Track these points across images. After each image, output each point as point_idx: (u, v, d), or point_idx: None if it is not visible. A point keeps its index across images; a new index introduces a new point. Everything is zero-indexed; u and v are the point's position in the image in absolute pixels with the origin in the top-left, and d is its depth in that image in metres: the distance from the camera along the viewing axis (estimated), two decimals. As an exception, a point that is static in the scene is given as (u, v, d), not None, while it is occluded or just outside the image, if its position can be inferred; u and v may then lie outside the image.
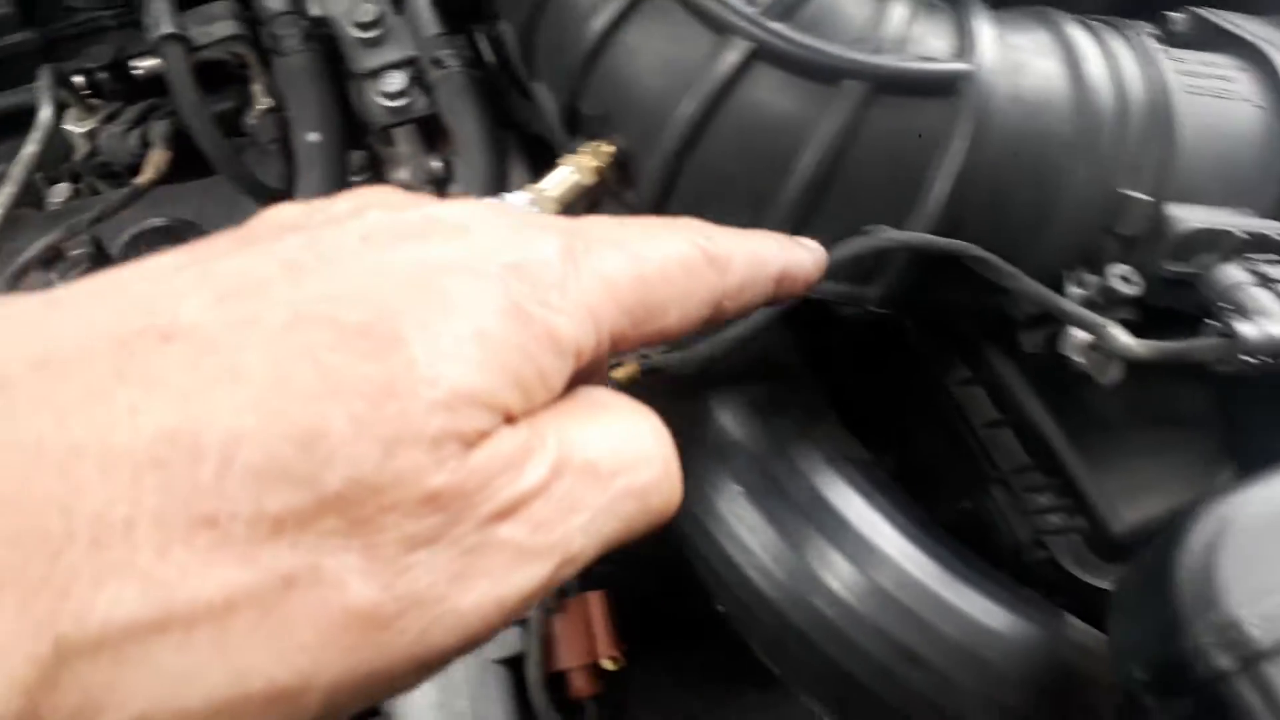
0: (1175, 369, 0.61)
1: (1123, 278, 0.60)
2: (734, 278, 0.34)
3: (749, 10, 0.57)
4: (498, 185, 0.69)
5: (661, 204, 0.64)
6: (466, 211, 0.29)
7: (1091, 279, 0.61)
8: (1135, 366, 0.59)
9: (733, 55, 0.58)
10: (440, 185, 0.77)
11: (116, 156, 0.79)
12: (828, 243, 0.61)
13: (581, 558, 0.27)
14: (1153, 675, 0.49)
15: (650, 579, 0.85)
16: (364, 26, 0.77)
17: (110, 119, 0.80)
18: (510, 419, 0.26)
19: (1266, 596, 0.46)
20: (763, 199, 0.61)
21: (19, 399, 0.21)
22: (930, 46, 0.59)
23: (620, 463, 0.28)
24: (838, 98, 0.58)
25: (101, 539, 0.20)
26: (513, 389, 0.26)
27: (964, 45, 0.59)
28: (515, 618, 0.26)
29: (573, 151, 0.65)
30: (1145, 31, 0.64)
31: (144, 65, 0.82)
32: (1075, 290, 0.62)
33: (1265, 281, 0.58)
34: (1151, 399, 0.74)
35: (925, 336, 0.81)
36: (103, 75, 0.84)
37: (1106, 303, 0.61)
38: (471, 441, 0.24)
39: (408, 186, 0.79)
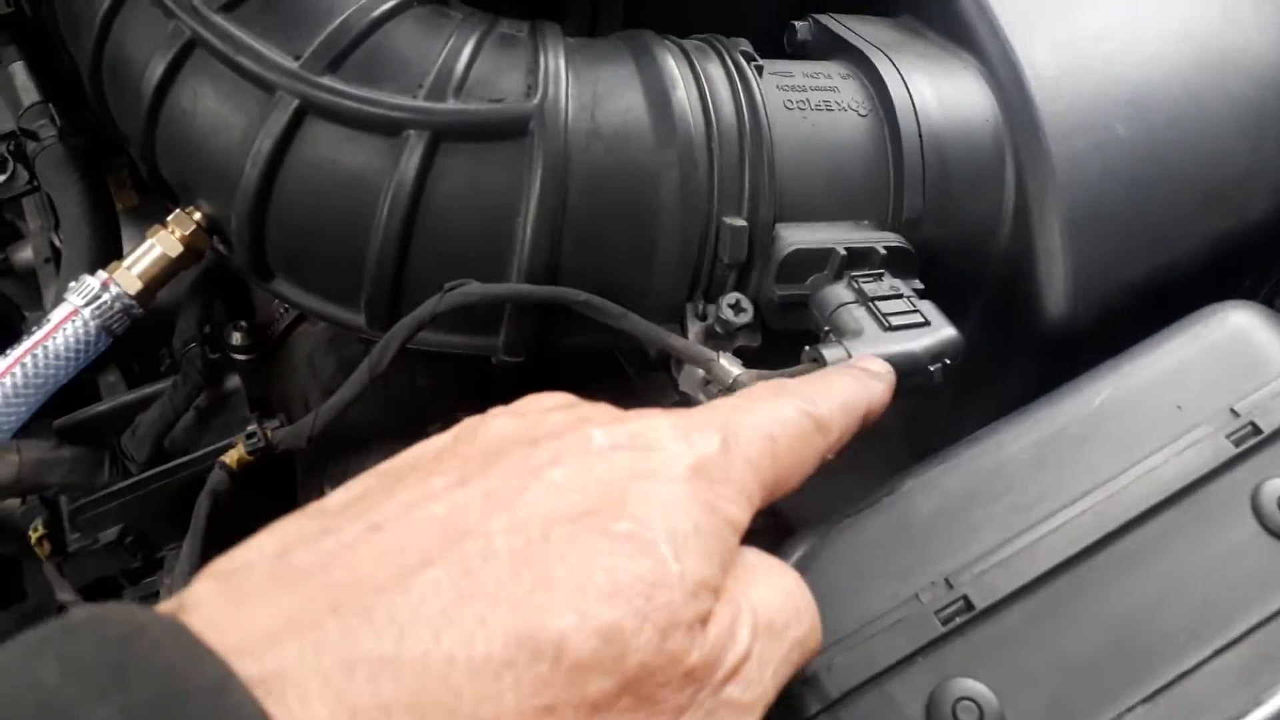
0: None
1: (731, 306, 0.58)
2: (834, 434, 0.42)
3: (290, 65, 0.53)
4: (103, 259, 0.63)
5: (259, 265, 0.60)
6: (649, 424, 0.36)
7: (709, 309, 0.59)
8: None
9: (280, 115, 0.53)
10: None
11: None
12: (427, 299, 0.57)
13: (769, 702, 0.33)
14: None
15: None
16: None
17: None
18: (718, 595, 0.32)
19: (841, 640, 0.44)
20: (351, 255, 0.57)
21: (401, 618, 0.27)
22: (500, 86, 0.56)
23: (787, 618, 0.36)
24: (402, 150, 0.54)
25: None
26: (720, 571, 0.33)
27: (535, 82, 0.56)
28: None
29: (162, 224, 0.60)
30: (742, 51, 0.62)
31: None
32: (695, 322, 0.60)
33: (864, 299, 0.57)
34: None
35: (638, 364, 0.79)
36: None
37: (725, 333, 0.59)
38: (705, 620, 0.31)
39: (31, 265, 0.73)
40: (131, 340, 0.62)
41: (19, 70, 0.72)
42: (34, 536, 0.63)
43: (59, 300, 0.60)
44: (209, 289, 0.67)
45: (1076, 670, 0.43)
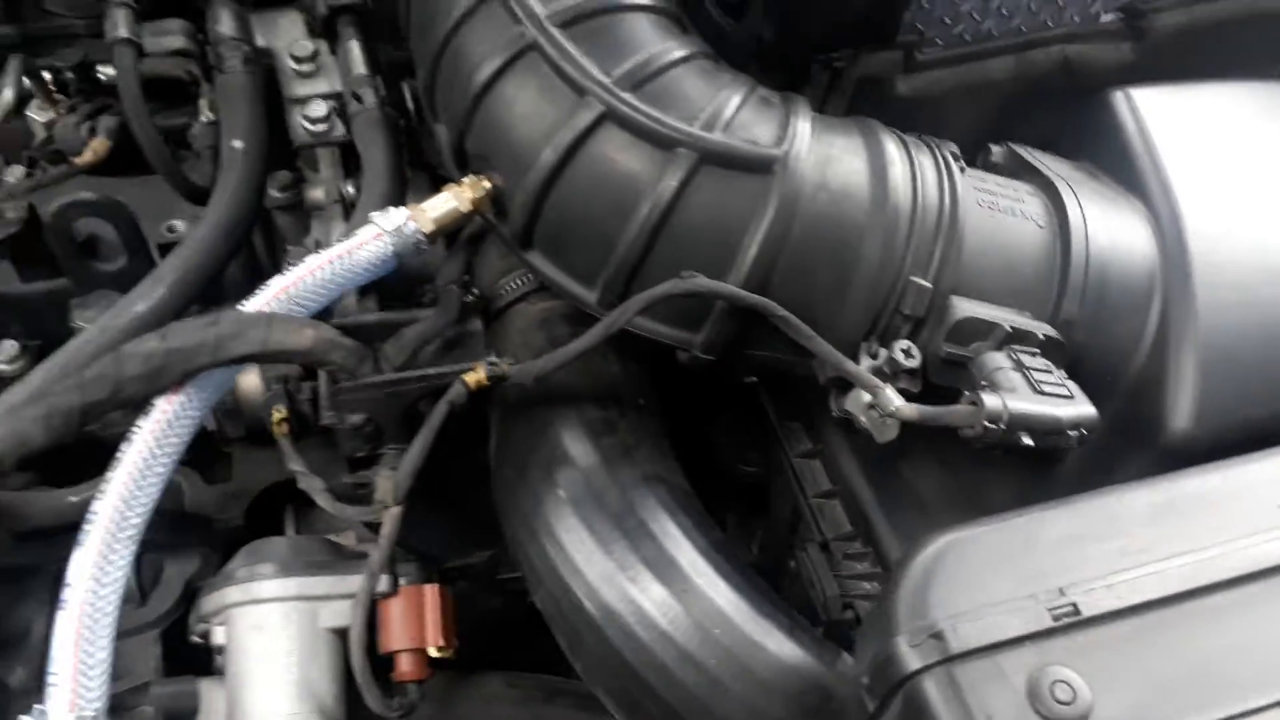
0: (985, 460, 0.70)
1: (904, 351, 0.69)
2: None
3: (604, 79, 0.68)
4: (395, 204, 0.77)
5: (525, 235, 0.73)
6: None
7: (881, 351, 0.70)
8: (909, 428, 0.67)
9: (587, 115, 0.67)
10: (349, 205, 0.86)
11: (68, 145, 0.87)
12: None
13: None
14: (871, 677, 0.55)
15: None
16: (299, 60, 0.87)
17: (70, 112, 0.89)
18: None
19: (967, 610, 0.53)
20: (607, 241, 0.70)
21: None
22: (755, 132, 0.69)
23: None
24: (672, 162, 0.67)
25: None
26: None
27: (782, 135, 0.69)
28: None
29: (457, 183, 0.75)
30: (951, 151, 0.74)
31: (108, 71, 0.92)
32: (866, 359, 0.70)
33: (1020, 367, 0.67)
34: (962, 487, 0.82)
35: (780, 407, 0.90)
36: (69, 74, 0.93)
37: (891, 373, 0.69)
38: None
39: (321, 203, 0.88)
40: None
41: (354, 47, 0.89)
42: (276, 418, 0.76)
43: (355, 227, 0.74)
44: (472, 246, 0.81)
45: (1160, 684, 0.51)
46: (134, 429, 0.65)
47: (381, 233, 0.71)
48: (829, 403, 0.75)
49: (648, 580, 0.67)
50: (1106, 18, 0.96)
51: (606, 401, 0.77)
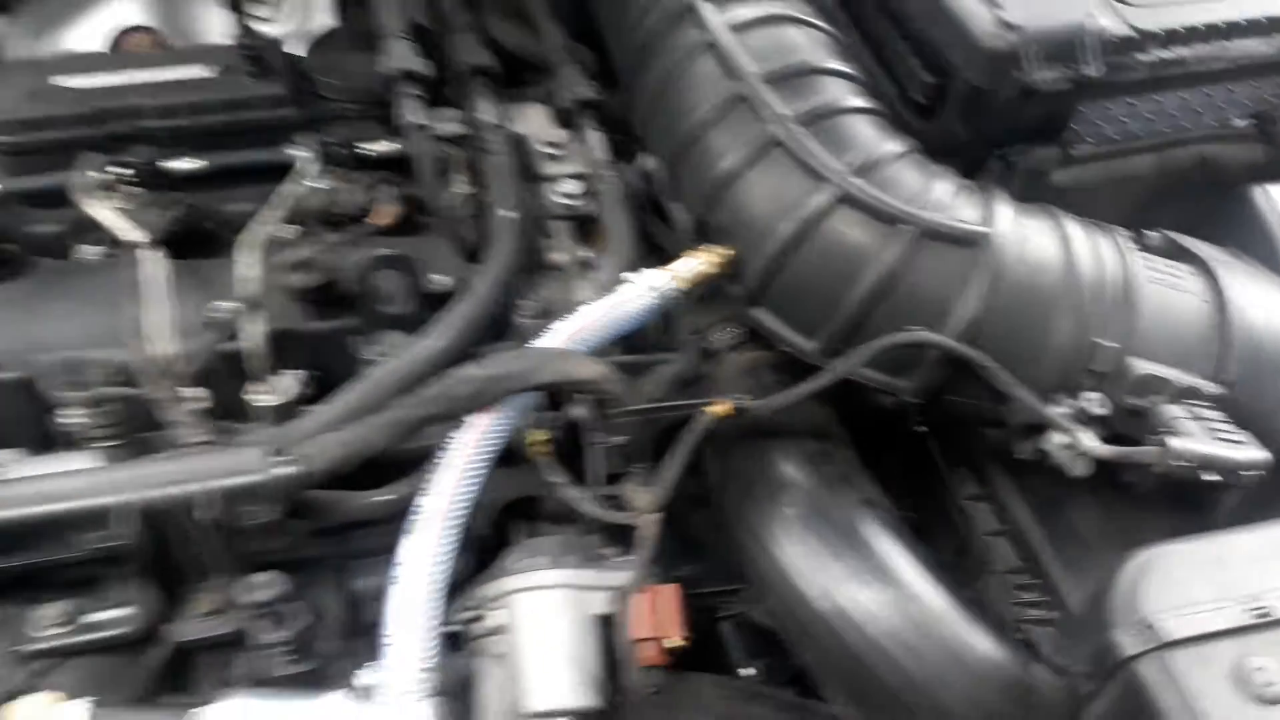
0: (1142, 503, 0.82)
1: (1096, 401, 0.81)
2: None
3: (839, 168, 0.82)
4: (634, 269, 0.92)
5: (757, 295, 0.88)
6: None
7: (1071, 401, 0.82)
8: (1100, 465, 0.79)
9: (823, 196, 0.82)
10: (585, 268, 1.01)
11: (346, 208, 1.04)
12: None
13: None
14: (1090, 664, 0.66)
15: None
16: (551, 145, 1.04)
17: (349, 182, 1.06)
18: None
19: (1174, 608, 0.64)
20: (833, 301, 0.84)
21: None
22: (963, 213, 0.83)
23: None
24: (895, 237, 0.81)
25: None
26: None
27: (987, 216, 0.83)
28: None
29: (702, 250, 0.89)
30: (1122, 235, 0.87)
31: (374, 148, 1.10)
32: (1057, 409, 0.83)
33: (1197, 417, 0.79)
34: (1121, 527, 0.93)
35: (946, 455, 1.02)
36: (338, 149, 1.11)
37: (1080, 421, 0.81)
38: None
39: (560, 265, 1.03)
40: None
41: (594, 136, 1.05)
42: (538, 439, 0.90)
43: (607, 287, 0.89)
44: (713, 305, 0.95)
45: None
46: (451, 440, 0.79)
47: (648, 289, 0.85)
48: (1016, 444, 0.87)
49: (872, 587, 0.79)
50: (1240, 123, 1.10)
51: (821, 437, 0.90)
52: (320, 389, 0.94)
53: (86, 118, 1.07)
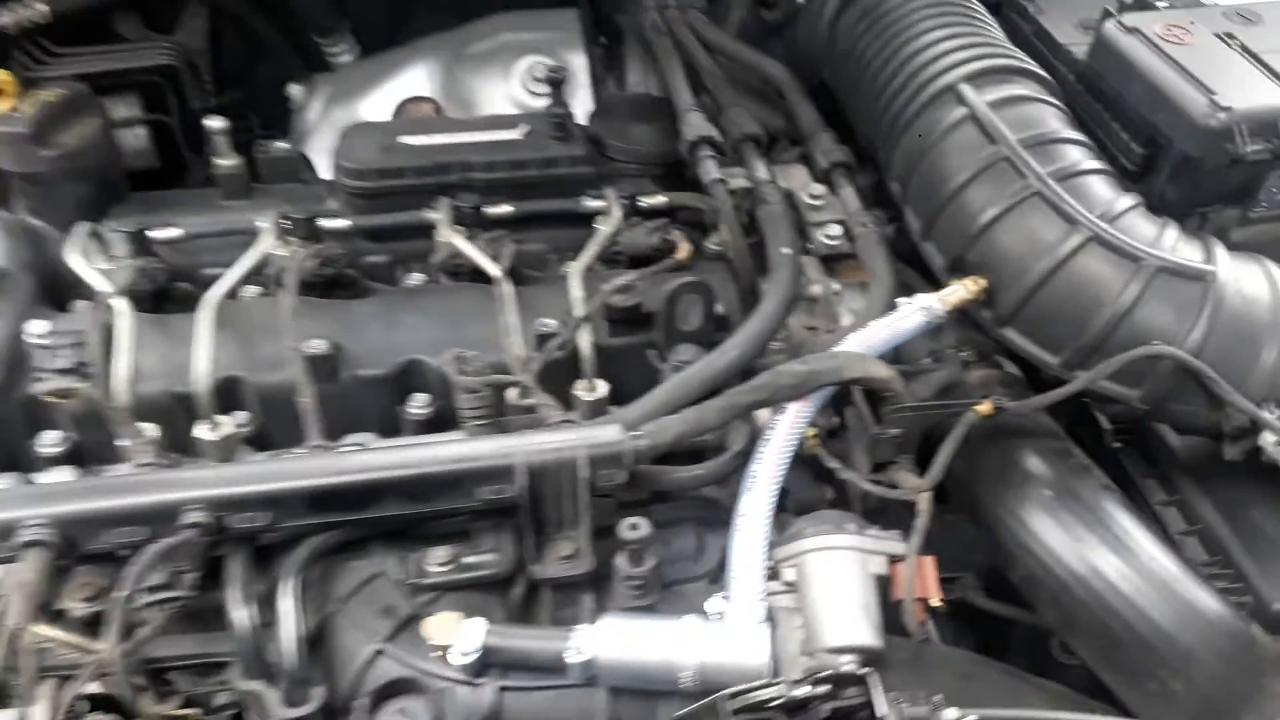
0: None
1: (1307, 408, 0.99)
2: None
3: (1092, 217, 1.02)
4: (895, 298, 1.13)
5: (1006, 318, 1.07)
6: None
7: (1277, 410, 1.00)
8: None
9: (1077, 238, 1.02)
10: (838, 298, 1.23)
11: (637, 248, 1.27)
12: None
13: None
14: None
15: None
16: (814, 198, 1.27)
17: (633, 225, 1.29)
18: None
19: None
20: (1078, 325, 1.03)
21: None
22: (1190, 254, 1.03)
23: None
24: (1137, 273, 1.01)
25: None
26: None
27: (1209, 258, 1.02)
28: None
29: (959, 280, 1.10)
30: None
31: (651, 201, 1.33)
32: (1267, 414, 1.00)
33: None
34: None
35: (1138, 466, 1.19)
36: (624, 201, 1.34)
37: (1291, 427, 0.99)
38: None
39: (817, 296, 1.24)
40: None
41: (849, 190, 1.28)
42: (810, 434, 1.10)
43: (872, 314, 1.10)
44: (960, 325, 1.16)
45: None
46: (770, 423, 1.00)
47: (919, 310, 1.06)
48: (1227, 447, 1.04)
49: (1119, 554, 0.96)
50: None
51: (1057, 436, 1.09)
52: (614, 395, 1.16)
53: (428, 169, 1.32)
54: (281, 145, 1.44)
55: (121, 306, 1.12)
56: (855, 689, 0.80)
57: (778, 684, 0.80)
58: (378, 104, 1.68)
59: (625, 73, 1.66)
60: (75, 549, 0.91)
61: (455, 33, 1.69)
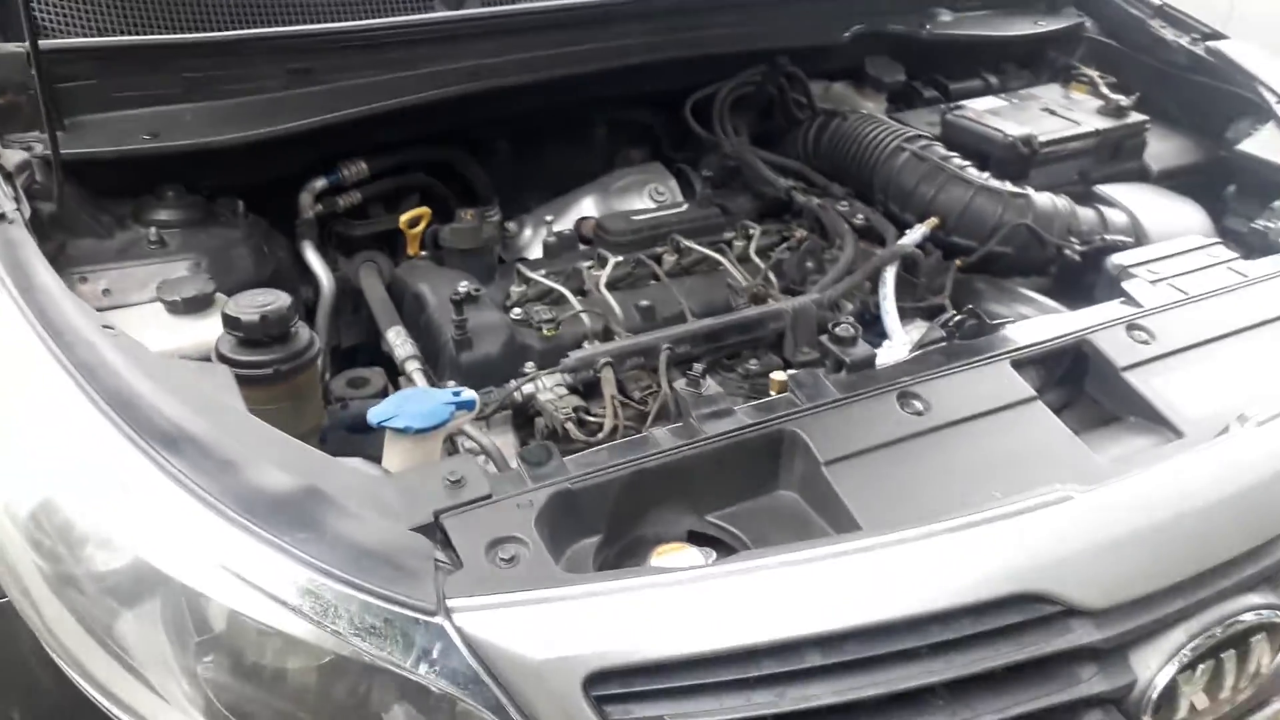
0: None
1: None
2: None
3: (978, 181, 2.45)
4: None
5: (952, 233, 2.45)
6: None
7: None
8: None
9: (972, 190, 2.44)
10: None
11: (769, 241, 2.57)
12: None
13: None
14: None
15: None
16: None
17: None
18: None
19: None
20: (983, 226, 2.42)
21: None
22: (1009, 188, 2.47)
23: None
24: (999, 198, 2.43)
25: None
26: None
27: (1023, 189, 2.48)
28: None
29: (923, 223, 2.49)
30: None
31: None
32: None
33: None
34: None
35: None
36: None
37: None
38: None
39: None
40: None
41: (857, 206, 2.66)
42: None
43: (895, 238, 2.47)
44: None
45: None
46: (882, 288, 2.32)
47: (916, 233, 2.43)
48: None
49: None
50: None
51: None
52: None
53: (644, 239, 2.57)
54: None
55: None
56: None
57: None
58: (563, 225, 2.93)
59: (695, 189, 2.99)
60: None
61: (600, 181, 2.98)
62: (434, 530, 1.35)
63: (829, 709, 1.19)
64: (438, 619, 1.19)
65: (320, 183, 2.46)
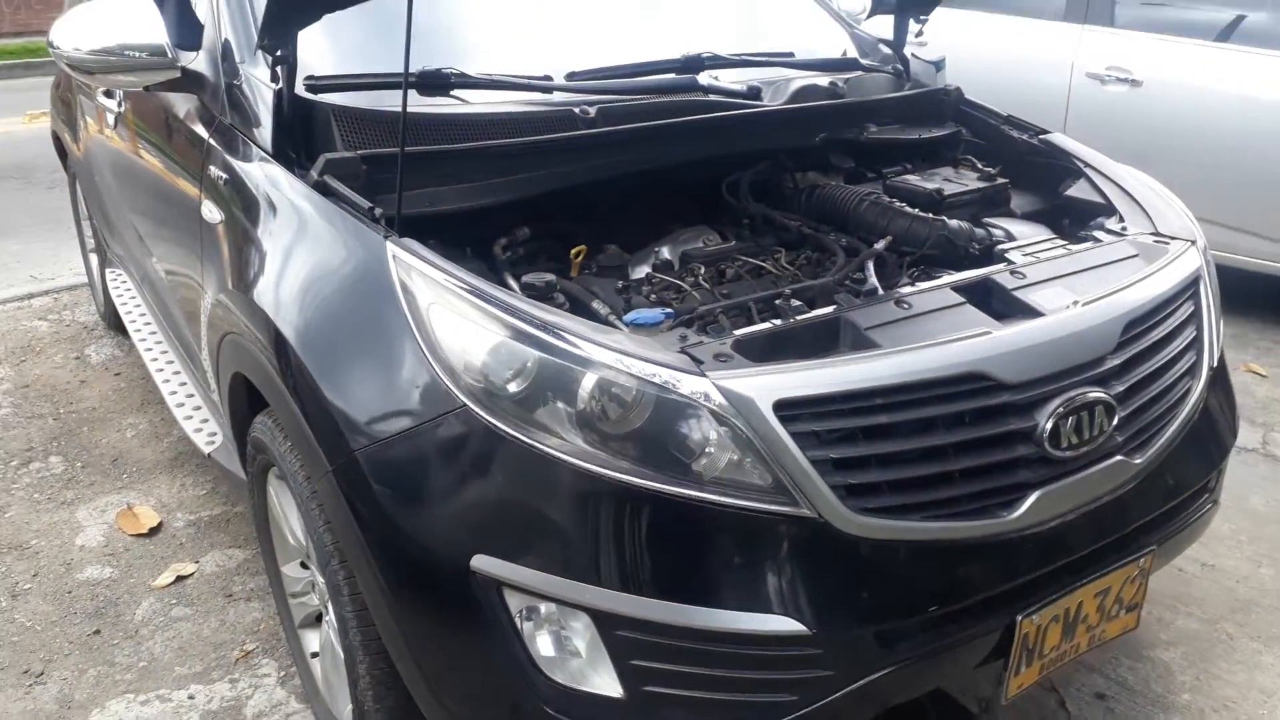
0: None
1: None
2: None
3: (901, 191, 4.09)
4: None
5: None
6: None
7: None
8: None
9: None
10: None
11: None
12: None
13: None
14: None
15: None
16: (833, 238, 4.23)
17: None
18: None
19: None
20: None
21: None
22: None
23: None
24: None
25: None
26: None
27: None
28: None
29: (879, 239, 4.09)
30: None
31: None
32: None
33: None
34: None
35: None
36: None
37: None
38: None
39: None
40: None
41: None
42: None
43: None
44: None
45: None
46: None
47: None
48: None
49: None
50: None
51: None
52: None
53: (713, 256, 4.09)
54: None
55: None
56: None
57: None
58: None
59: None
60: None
61: (670, 234, 4.49)
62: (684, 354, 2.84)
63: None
64: (704, 377, 2.69)
65: (503, 240, 3.95)
